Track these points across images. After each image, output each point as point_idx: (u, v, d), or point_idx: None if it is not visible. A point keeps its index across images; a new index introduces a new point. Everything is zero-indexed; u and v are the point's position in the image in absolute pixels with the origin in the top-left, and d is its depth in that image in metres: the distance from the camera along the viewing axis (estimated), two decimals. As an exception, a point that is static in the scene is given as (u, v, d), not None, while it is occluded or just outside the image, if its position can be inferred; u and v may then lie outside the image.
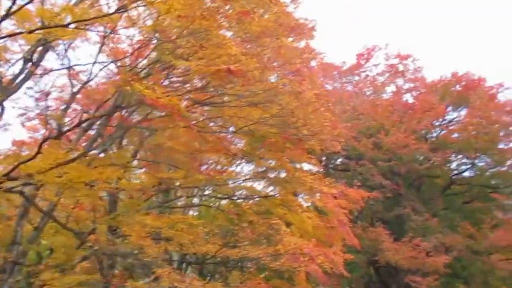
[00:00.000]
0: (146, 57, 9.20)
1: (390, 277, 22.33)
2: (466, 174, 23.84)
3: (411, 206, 20.05)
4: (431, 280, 18.21)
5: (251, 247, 10.48)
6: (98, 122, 11.74)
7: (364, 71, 25.39)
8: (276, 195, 15.84)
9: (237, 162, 16.66)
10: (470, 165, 22.95)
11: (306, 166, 17.46)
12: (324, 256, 13.58)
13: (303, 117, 11.15)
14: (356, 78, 25.58)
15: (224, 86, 9.12)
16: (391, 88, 25.04)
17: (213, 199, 17.62)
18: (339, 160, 22.56)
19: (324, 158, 21.24)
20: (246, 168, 17.59)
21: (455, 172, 23.99)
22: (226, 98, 10.54)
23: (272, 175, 15.64)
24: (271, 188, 17.10)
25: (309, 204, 18.27)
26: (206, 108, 12.62)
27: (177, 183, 14.23)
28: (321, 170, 20.22)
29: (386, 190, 19.89)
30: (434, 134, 23.24)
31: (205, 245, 10.22)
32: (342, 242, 16.73)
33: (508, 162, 22.23)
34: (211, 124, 13.40)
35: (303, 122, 11.54)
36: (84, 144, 12.94)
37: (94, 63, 10.11)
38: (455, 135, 21.89)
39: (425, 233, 19.53)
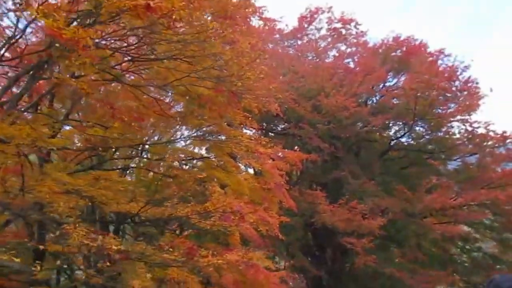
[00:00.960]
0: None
1: (326, 239, 22.44)
2: (404, 139, 24.11)
3: (349, 170, 20.01)
4: (366, 242, 18.29)
5: (178, 206, 9.91)
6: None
7: (307, 35, 25.01)
8: (212, 157, 15.40)
9: (176, 127, 16.12)
10: (408, 131, 23.11)
11: (246, 132, 17.14)
12: (259, 217, 13.30)
13: (237, 69, 10.62)
14: (299, 42, 25.19)
15: (153, 35, 8.46)
16: (333, 53, 24.84)
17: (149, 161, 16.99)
18: (280, 126, 22.26)
19: (264, 124, 20.88)
20: (185, 133, 17.17)
21: (393, 138, 24.18)
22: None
23: (210, 138, 15.15)
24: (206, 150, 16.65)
25: (246, 166, 17.95)
26: (141, 68, 11.95)
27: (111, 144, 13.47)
28: (260, 134, 19.92)
29: (324, 153, 19.76)
30: (374, 100, 23.26)
31: (128, 203, 9.55)
32: (279, 204, 16.50)
33: (444, 129, 22.59)
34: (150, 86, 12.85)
35: (237, 76, 11.02)
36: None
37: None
38: (395, 100, 21.90)
39: (362, 196, 19.57)
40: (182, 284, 12.71)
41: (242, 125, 15.31)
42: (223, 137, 14.13)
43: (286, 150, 17.43)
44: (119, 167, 15.46)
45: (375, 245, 18.95)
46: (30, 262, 11.01)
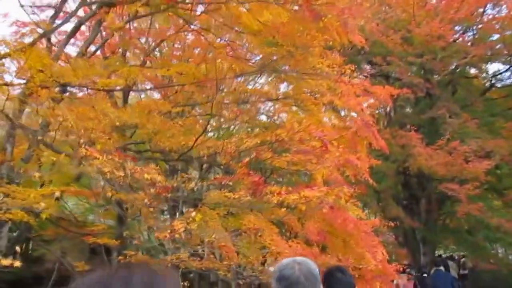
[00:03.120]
0: None
1: (420, 188, 20.38)
2: (507, 74, 21.07)
3: (446, 108, 17.53)
4: (470, 188, 15.96)
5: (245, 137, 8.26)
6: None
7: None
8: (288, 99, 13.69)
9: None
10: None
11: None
12: (345, 160, 11.51)
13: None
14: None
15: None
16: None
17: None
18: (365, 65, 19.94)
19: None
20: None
21: (495, 73, 21.21)
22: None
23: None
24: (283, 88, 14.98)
25: (327, 105, 16.04)
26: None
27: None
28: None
29: (418, 90, 17.37)
30: (474, 29, 20.28)
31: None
32: (368, 148, 14.54)
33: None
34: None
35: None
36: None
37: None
38: (498, 27, 18.90)
39: (462, 138, 17.11)
40: (258, 236, 11.30)
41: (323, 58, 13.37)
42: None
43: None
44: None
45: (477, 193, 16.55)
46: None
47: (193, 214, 5.64)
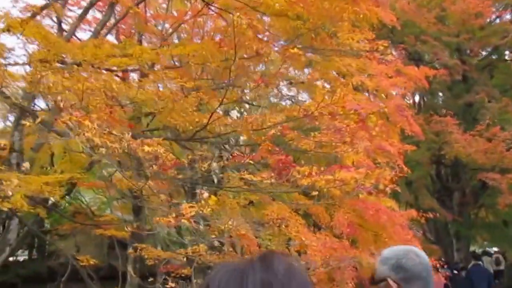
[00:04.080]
0: None
1: (454, 180, 19.19)
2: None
3: (485, 92, 16.26)
4: (512, 178, 14.72)
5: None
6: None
7: None
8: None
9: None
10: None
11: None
12: (376, 146, 10.44)
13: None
14: None
15: None
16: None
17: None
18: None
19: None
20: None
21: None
22: None
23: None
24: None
25: (357, 86, 14.92)
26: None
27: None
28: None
29: (454, 72, 16.12)
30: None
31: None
32: (399, 134, 13.39)
33: None
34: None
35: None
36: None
37: None
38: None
39: (503, 124, 15.86)
40: (283, 227, 10.32)
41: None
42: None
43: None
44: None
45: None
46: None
47: (205, 195, 4.65)
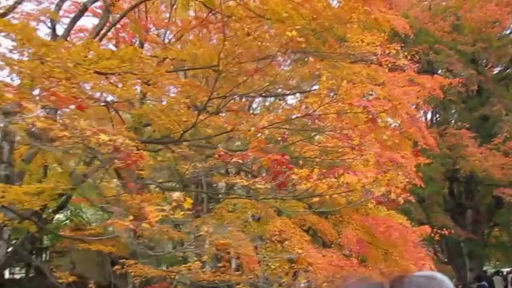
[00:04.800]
0: None
1: (468, 197, 18.36)
2: None
3: (502, 104, 15.43)
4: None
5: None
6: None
7: None
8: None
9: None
10: None
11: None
12: (386, 159, 9.67)
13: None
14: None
15: None
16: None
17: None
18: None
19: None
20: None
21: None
22: None
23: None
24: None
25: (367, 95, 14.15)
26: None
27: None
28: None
29: (469, 82, 15.32)
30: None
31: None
32: (413, 146, 12.57)
33: None
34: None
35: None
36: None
37: None
38: None
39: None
40: (285, 244, 9.56)
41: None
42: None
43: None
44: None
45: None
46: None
47: (176, 195, 3.88)
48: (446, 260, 20.32)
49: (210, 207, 11.02)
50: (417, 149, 11.35)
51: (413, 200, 10.12)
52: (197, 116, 5.85)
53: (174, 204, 3.94)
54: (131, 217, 3.95)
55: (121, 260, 9.61)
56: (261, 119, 5.89)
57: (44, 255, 20.46)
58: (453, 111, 18.00)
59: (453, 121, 17.45)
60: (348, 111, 5.48)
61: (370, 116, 5.67)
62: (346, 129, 6.56)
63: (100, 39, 10.64)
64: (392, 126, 12.42)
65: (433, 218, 16.52)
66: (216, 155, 5.24)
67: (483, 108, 15.98)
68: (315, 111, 5.32)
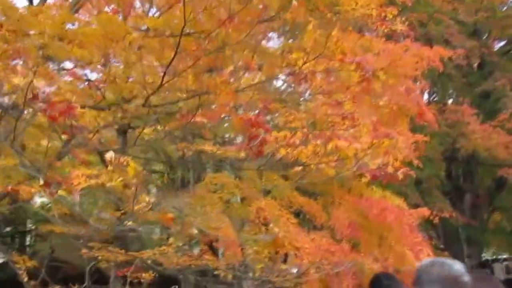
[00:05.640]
0: None
1: (468, 179, 17.62)
2: None
3: (506, 79, 14.54)
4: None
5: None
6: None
7: None
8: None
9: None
10: None
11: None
12: (384, 135, 8.73)
13: None
14: None
15: None
16: None
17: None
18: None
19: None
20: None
21: None
22: None
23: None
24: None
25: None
26: None
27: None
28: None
29: (471, 55, 14.40)
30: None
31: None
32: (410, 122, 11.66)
33: None
34: None
35: None
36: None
37: None
38: None
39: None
40: (271, 227, 8.75)
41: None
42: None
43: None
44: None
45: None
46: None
47: (109, 155, 2.96)
48: (442, 246, 19.60)
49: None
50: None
51: (413, 175, 9.30)
52: (162, 77, 4.88)
53: (110, 168, 3.03)
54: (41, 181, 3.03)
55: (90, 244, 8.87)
56: (238, 80, 4.93)
57: (28, 239, 19.83)
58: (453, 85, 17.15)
59: (451, 99, 16.60)
60: (339, 69, 4.54)
61: (365, 74, 4.72)
62: (336, 93, 5.63)
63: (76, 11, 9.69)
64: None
65: (431, 202, 15.75)
66: (177, 115, 4.31)
67: (486, 82, 15.10)
68: (300, 69, 4.37)
